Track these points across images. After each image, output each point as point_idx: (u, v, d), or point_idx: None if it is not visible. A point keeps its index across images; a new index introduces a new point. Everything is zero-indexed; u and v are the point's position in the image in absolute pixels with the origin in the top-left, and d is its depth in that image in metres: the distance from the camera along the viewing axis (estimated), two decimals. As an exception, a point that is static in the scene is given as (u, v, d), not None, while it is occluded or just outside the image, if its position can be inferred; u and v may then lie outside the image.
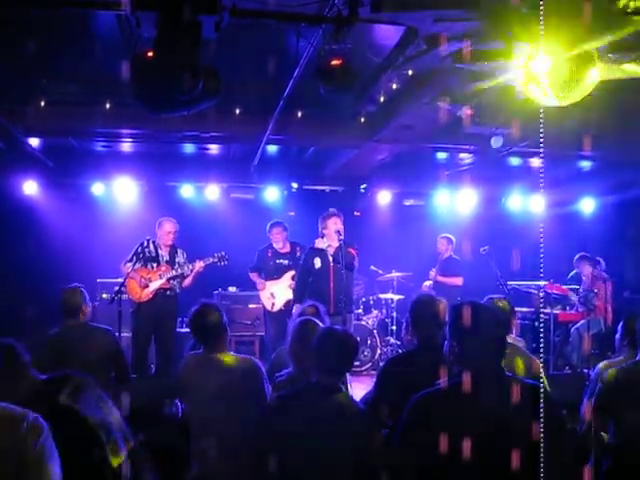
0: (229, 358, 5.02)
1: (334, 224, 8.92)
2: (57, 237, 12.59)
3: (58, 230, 12.68)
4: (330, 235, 8.92)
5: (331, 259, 8.87)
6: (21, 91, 9.15)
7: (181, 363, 5.15)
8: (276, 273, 10.11)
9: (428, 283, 11.81)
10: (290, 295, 9.90)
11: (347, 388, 5.08)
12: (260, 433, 3.99)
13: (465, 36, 6.13)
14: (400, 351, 11.17)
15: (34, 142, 11.49)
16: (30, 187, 12.87)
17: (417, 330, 4.67)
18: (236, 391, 4.75)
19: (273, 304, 10.00)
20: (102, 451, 3.29)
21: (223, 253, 9.55)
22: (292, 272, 9.93)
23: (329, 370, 3.96)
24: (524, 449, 2.93)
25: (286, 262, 10.14)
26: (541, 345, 7.58)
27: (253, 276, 10.35)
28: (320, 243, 8.98)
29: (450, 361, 3.26)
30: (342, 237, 8.77)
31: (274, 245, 10.18)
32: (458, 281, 11.41)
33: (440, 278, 11.48)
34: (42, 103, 9.41)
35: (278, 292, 10.03)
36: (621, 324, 5.35)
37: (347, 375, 5.26)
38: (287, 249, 10.22)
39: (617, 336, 5.43)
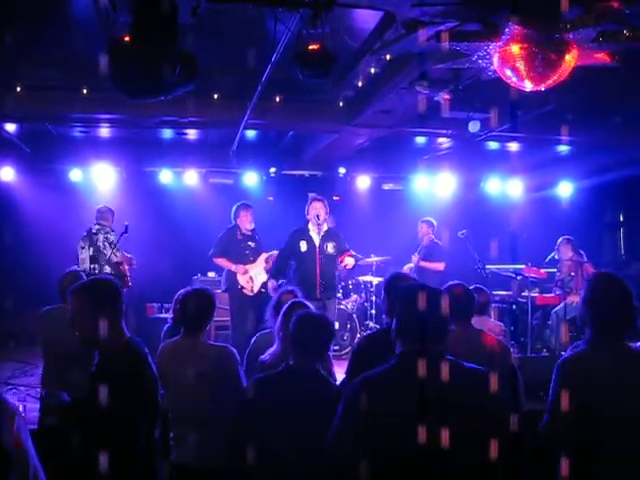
0: (205, 346, 5.03)
1: (313, 209, 8.95)
2: (35, 224, 12.53)
3: (35, 217, 12.62)
4: (312, 219, 8.95)
5: (317, 244, 8.90)
6: (-3, 76, 9.09)
7: (159, 349, 5.12)
8: (251, 256, 10.00)
9: (408, 266, 11.83)
10: (265, 277, 9.94)
11: (330, 372, 5.14)
12: (240, 416, 4.03)
13: (442, 20, 6.14)
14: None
15: (10, 128, 11.41)
16: (7, 173, 12.80)
17: (392, 308, 4.68)
18: (212, 378, 4.75)
19: (252, 287, 9.95)
20: None
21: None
22: (265, 254, 9.97)
23: (305, 353, 3.99)
24: (459, 431, 2.95)
25: (254, 244, 10.09)
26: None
27: (221, 261, 10.06)
28: (311, 230, 9.02)
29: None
30: (320, 222, 8.80)
31: (246, 227, 10.03)
32: (440, 266, 11.42)
33: (422, 263, 11.48)
34: (18, 88, 9.32)
35: (255, 275, 9.99)
36: None
37: (331, 359, 5.33)
38: (252, 231, 10.16)
39: None
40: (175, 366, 4.87)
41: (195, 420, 4.74)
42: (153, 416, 3.58)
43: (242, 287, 9.96)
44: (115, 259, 9.98)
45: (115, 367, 3.50)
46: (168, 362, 4.93)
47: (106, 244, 10.03)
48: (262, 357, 5.05)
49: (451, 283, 5.21)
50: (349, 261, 9.12)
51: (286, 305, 5.16)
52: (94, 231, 10.11)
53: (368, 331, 11.61)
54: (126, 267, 10.25)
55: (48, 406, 3.62)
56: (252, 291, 9.95)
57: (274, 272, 9.30)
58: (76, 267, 6.73)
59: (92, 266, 9.97)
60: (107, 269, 9.95)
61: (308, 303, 5.45)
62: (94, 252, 10.02)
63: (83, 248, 10.06)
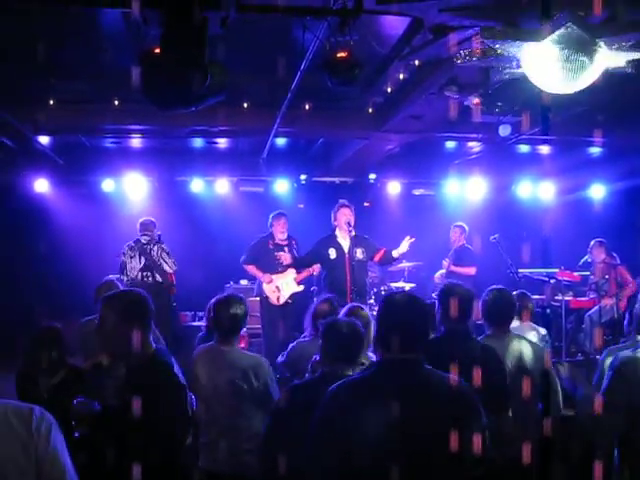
0: (239, 353, 5.04)
1: (343, 215, 8.94)
2: (68, 234, 12.68)
3: (69, 227, 12.77)
4: (341, 226, 8.95)
5: (347, 251, 8.90)
6: (30, 90, 9.20)
7: (193, 355, 5.14)
8: (280, 266, 9.92)
9: (440, 273, 11.79)
10: (295, 288, 9.98)
11: None
12: (271, 424, 4.04)
13: (471, 25, 6.13)
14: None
15: (44, 140, 11.54)
16: (41, 185, 12.98)
17: (444, 319, 4.69)
18: (243, 386, 4.76)
19: (279, 297, 9.94)
20: None
21: None
22: None
23: (336, 359, 4.00)
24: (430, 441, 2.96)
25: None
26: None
27: (251, 268, 10.13)
28: (339, 236, 9.01)
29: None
30: (352, 228, 8.79)
31: (278, 236, 10.06)
32: (471, 271, 11.35)
33: (453, 268, 11.42)
34: (51, 101, 9.47)
35: (283, 285, 9.97)
36: (628, 310, 5.33)
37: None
38: (285, 241, 10.16)
39: (625, 322, 5.42)
40: (207, 372, 4.89)
41: (225, 427, 4.76)
42: (183, 425, 3.61)
43: (267, 296, 9.98)
44: (169, 270, 10.49)
45: (143, 378, 3.54)
46: (201, 367, 4.96)
47: (163, 254, 10.49)
48: (316, 357, 5.08)
49: (492, 288, 5.20)
50: (402, 248, 8.95)
51: (344, 310, 5.20)
52: (144, 242, 10.47)
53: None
54: (174, 276, 10.74)
55: (78, 414, 3.65)
56: (278, 301, 9.95)
57: (297, 264, 9.64)
58: (111, 277, 6.85)
59: (145, 273, 10.40)
60: (159, 278, 10.38)
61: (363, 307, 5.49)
62: (147, 262, 10.38)
63: (132, 257, 10.42)
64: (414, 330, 3.20)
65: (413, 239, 8.87)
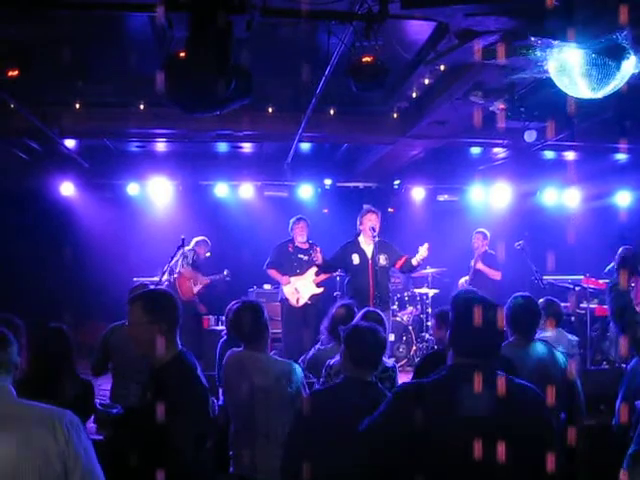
0: (269, 360, 4.99)
1: (369, 221, 8.93)
2: (93, 237, 12.76)
3: (94, 230, 12.85)
4: (365, 231, 8.94)
5: (370, 257, 8.88)
6: (56, 94, 9.27)
7: (224, 361, 5.10)
8: (299, 268, 10.10)
9: (465, 279, 11.75)
10: (314, 290, 10.03)
11: (395, 381, 5.14)
12: (293, 430, 4.03)
13: (497, 30, 6.10)
14: (436, 347, 11.15)
15: (70, 144, 11.62)
16: (67, 188, 13.05)
17: None
18: (273, 393, 4.72)
19: (298, 299, 10.00)
20: None
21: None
22: (315, 268, 9.91)
23: (358, 365, 3.99)
24: (501, 449, 2.87)
25: (306, 258, 10.10)
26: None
27: (272, 272, 10.26)
28: (362, 242, 9.01)
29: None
30: (376, 234, 8.77)
31: (298, 239, 10.18)
32: (497, 275, 11.32)
33: (481, 267, 11.37)
34: (77, 105, 9.53)
35: (302, 287, 10.03)
36: None
37: (396, 369, 5.32)
38: (306, 245, 10.22)
39: None
40: (237, 377, 4.86)
41: (258, 433, 4.72)
42: (204, 428, 3.60)
43: (286, 298, 10.06)
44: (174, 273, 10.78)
45: (165, 379, 3.54)
46: (231, 373, 4.94)
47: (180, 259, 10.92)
48: (330, 361, 5.06)
49: (516, 295, 5.14)
50: (421, 253, 8.75)
51: (359, 315, 5.21)
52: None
53: (425, 344, 11.53)
54: (188, 281, 11.04)
55: (100, 418, 3.67)
56: (297, 302, 10.01)
57: (324, 268, 9.50)
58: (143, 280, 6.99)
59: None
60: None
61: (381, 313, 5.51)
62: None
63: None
64: (492, 336, 3.15)
65: (428, 245, 8.77)
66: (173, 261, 10.65)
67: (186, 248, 10.92)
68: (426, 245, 8.76)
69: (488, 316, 3.07)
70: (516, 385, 3.10)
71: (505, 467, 2.84)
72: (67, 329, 5.10)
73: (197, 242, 11.25)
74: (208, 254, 11.40)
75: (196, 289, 11.18)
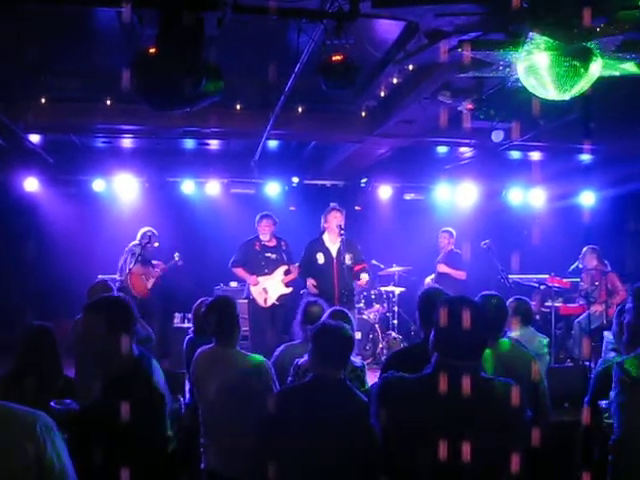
0: (240, 356, 5.00)
1: (335, 218, 8.95)
2: (58, 233, 12.63)
3: (59, 226, 12.72)
4: (331, 229, 8.95)
5: (335, 256, 8.90)
6: (21, 88, 9.15)
7: (194, 357, 5.10)
8: (267, 267, 9.95)
9: (431, 278, 11.83)
10: (283, 290, 9.92)
11: (364, 380, 5.16)
12: (261, 430, 4.02)
13: (466, 30, 6.13)
14: (403, 345, 11.21)
15: (35, 138, 11.48)
16: (31, 184, 12.91)
17: (425, 324, 4.63)
18: (246, 389, 4.74)
19: (266, 299, 9.86)
20: None
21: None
22: (284, 267, 9.89)
23: (327, 363, 3.98)
24: (481, 448, 2.95)
25: (274, 256, 10.01)
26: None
27: (239, 271, 10.10)
28: (326, 240, 9.01)
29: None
30: (343, 232, 8.79)
31: (261, 237, 10.03)
32: (462, 275, 11.41)
33: (445, 269, 11.46)
34: (43, 99, 9.42)
35: (271, 287, 9.90)
36: (616, 321, 5.13)
37: (365, 368, 5.34)
38: (273, 242, 10.09)
39: (611, 330, 5.32)
40: (209, 374, 4.88)
41: (225, 428, 4.75)
42: (159, 434, 3.63)
43: (254, 299, 9.93)
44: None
45: (120, 387, 3.55)
46: (202, 370, 4.94)
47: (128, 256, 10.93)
48: (298, 360, 5.06)
49: (483, 294, 5.15)
50: (364, 278, 9.09)
51: (326, 314, 5.22)
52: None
53: (404, 343, 11.55)
54: (139, 278, 11.05)
55: (55, 414, 3.64)
56: (265, 303, 9.88)
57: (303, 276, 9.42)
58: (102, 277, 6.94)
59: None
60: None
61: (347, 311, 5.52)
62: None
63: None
64: (475, 337, 3.18)
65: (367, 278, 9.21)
66: (122, 260, 10.70)
67: (131, 243, 10.94)
68: (366, 276, 9.13)
69: (473, 318, 3.13)
70: (499, 385, 3.18)
71: (480, 466, 2.92)
72: (51, 327, 5.15)
73: (142, 234, 11.14)
74: (156, 244, 11.23)
75: (149, 284, 11.19)
